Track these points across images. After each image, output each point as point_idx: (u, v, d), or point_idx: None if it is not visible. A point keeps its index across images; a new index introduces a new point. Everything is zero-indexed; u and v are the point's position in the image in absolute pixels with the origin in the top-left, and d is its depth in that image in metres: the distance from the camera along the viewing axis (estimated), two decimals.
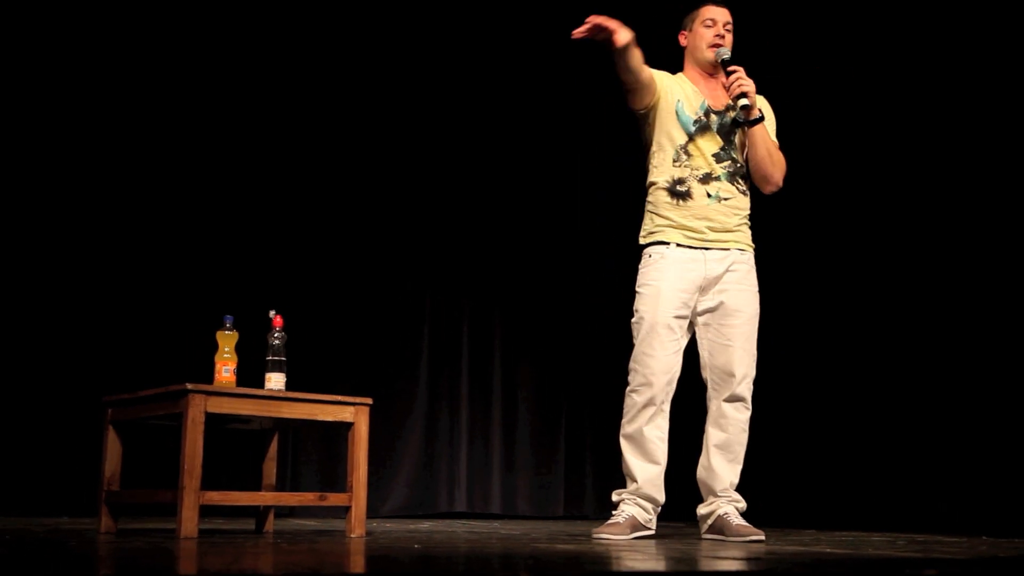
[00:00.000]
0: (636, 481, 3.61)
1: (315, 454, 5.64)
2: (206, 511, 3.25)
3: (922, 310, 5.74)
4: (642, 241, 3.73)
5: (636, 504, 3.62)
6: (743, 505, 3.67)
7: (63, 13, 5.26)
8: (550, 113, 6.56)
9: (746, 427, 3.64)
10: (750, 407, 3.64)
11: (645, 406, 3.59)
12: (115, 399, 3.58)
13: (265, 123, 5.74)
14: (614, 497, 3.71)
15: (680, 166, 3.64)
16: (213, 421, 3.31)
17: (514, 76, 6.40)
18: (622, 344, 6.62)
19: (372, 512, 5.41)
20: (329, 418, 3.48)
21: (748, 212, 3.72)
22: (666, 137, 3.68)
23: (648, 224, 3.72)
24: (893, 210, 5.89)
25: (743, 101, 3.54)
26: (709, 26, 3.70)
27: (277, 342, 3.50)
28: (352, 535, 3.44)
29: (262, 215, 5.68)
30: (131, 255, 5.33)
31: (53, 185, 5.20)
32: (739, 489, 3.71)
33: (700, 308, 3.64)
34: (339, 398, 3.53)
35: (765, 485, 6.15)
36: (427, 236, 6.16)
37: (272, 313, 3.55)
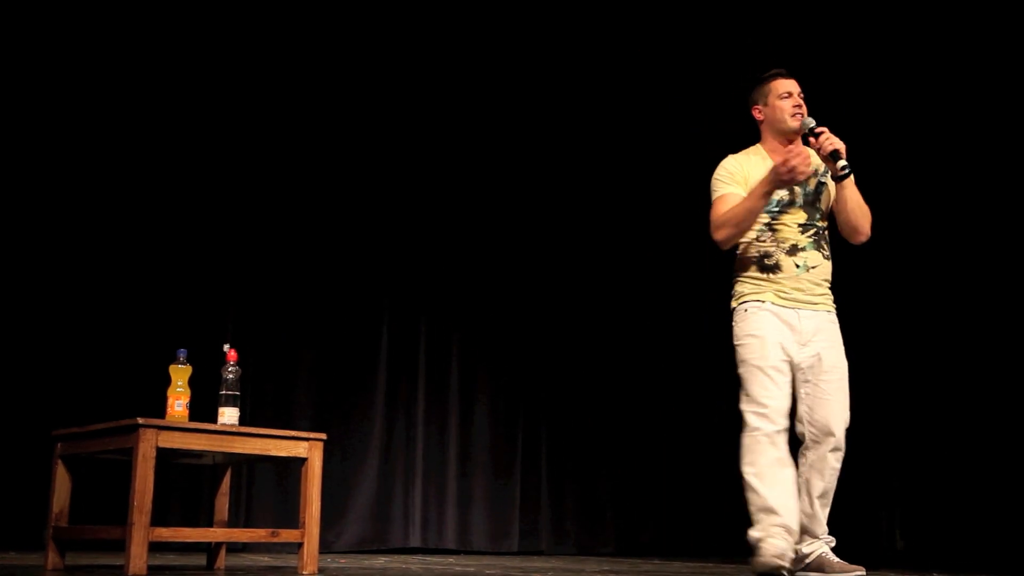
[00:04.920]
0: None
1: (269, 488, 5.58)
2: (156, 547, 3.21)
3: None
4: (737, 303, 3.82)
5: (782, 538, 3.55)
6: (834, 542, 3.80)
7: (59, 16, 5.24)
8: (506, 124, 6.63)
9: (839, 470, 3.75)
10: (844, 449, 3.74)
11: (768, 445, 3.58)
12: (65, 433, 3.53)
13: (216, 149, 5.72)
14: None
15: (766, 242, 3.76)
16: (165, 455, 3.27)
17: (463, 87, 6.47)
18: (579, 382, 6.66)
19: (326, 547, 5.36)
20: (283, 453, 3.45)
21: (830, 276, 3.82)
22: None
23: (741, 288, 3.81)
24: None
25: (841, 162, 3.63)
26: (786, 98, 3.80)
27: (231, 376, 3.47)
28: (304, 572, 3.42)
29: (217, 249, 5.65)
30: (82, 286, 5.28)
31: (3, 216, 5.15)
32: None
33: (799, 360, 3.71)
34: (293, 433, 3.50)
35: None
36: (384, 267, 6.16)
37: (226, 347, 3.52)
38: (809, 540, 3.74)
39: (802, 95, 3.82)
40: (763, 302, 3.73)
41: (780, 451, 3.57)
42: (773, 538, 3.49)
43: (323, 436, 3.54)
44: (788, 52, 6.21)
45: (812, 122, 3.74)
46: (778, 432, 3.58)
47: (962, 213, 5.78)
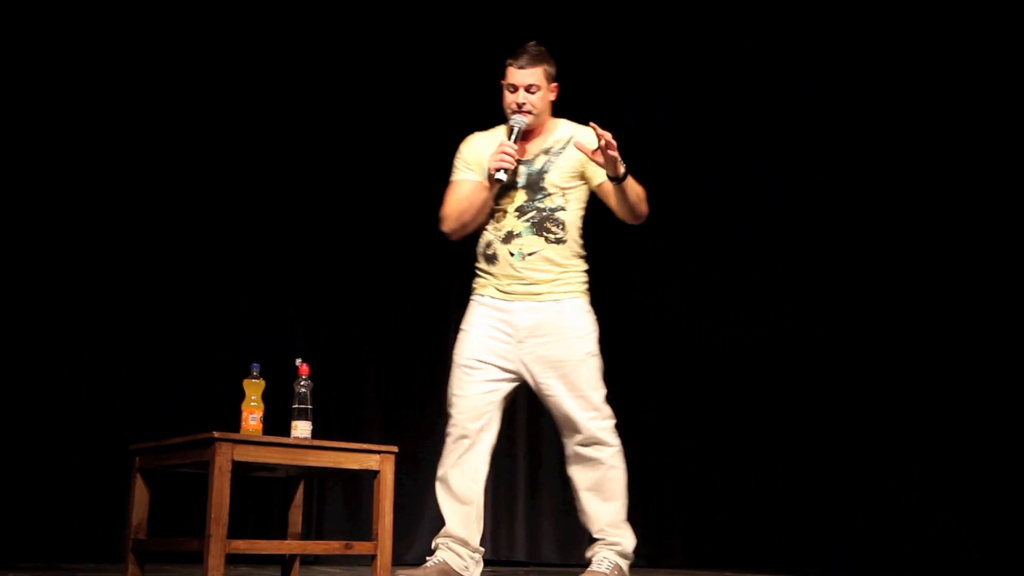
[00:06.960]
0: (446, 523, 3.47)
1: (341, 500, 5.64)
2: (232, 559, 3.26)
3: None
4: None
5: (448, 548, 3.45)
6: (624, 546, 3.44)
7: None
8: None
9: (615, 462, 3.45)
10: (613, 443, 3.45)
11: (454, 449, 3.51)
12: (142, 447, 3.60)
13: (282, 164, 5.79)
14: (432, 544, 3.52)
15: (489, 230, 3.53)
16: (239, 469, 3.32)
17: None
18: (641, 388, 6.58)
19: (396, 559, 5.36)
20: (355, 466, 3.47)
21: (566, 260, 3.52)
22: None
23: (473, 282, 3.62)
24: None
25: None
26: (511, 92, 3.49)
27: (303, 390, 3.51)
28: None
29: (285, 264, 5.72)
30: (160, 303, 5.38)
31: (81, 233, 5.27)
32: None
33: (522, 358, 3.51)
34: (365, 446, 3.53)
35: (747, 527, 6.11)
36: (450, 275, 6.17)
37: (298, 361, 3.57)
38: (589, 544, 3.48)
39: (534, 88, 3.43)
40: (483, 296, 3.52)
41: (464, 456, 3.48)
42: (440, 550, 3.43)
43: (395, 449, 3.56)
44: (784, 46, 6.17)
45: (522, 124, 3.43)
46: (465, 434, 3.47)
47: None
